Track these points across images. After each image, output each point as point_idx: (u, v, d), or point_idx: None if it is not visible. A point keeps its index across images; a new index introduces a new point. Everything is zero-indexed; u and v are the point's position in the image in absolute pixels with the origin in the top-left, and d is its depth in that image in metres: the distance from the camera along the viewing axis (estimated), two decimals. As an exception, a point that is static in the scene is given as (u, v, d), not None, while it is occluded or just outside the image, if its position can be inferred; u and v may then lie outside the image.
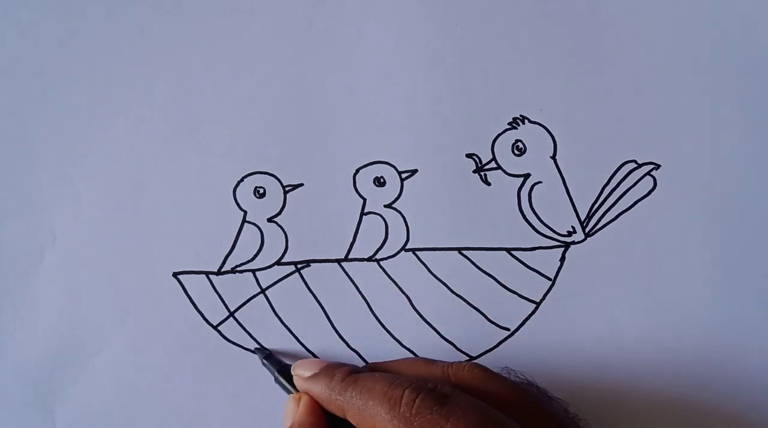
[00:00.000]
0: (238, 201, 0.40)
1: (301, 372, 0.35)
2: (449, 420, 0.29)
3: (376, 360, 0.39)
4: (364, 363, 0.39)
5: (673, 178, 0.40)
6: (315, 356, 0.39)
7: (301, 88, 0.41)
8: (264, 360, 0.38)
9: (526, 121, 0.40)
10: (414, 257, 0.40)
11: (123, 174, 0.40)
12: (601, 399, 0.38)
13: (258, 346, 0.39)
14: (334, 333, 0.39)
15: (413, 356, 0.39)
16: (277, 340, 0.39)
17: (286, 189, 0.40)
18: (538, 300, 0.39)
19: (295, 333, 0.39)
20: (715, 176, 0.40)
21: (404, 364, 0.36)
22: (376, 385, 0.32)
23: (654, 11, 0.41)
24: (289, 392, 0.36)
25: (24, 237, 0.40)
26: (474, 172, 0.40)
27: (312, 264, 0.40)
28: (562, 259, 0.39)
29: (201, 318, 0.40)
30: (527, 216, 0.40)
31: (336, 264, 0.40)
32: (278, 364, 0.38)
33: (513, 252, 0.40)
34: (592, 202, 0.40)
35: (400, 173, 0.40)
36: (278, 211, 0.40)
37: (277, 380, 0.37)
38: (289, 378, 0.36)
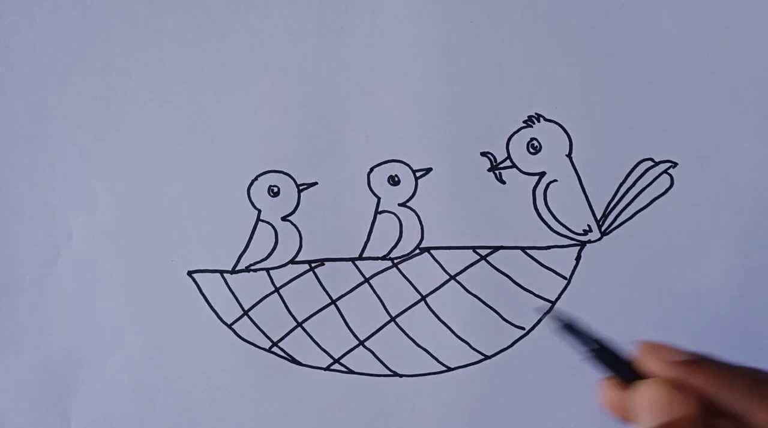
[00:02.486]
0: (252, 200, 0.40)
1: (668, 356, 0.28)
2: None
3: (391, 359, 0.39)
4: (378, 362, 0.39)
5: (691, 176, 0.39)
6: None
7: (314, 87, 0.40)
8: (593, 357, 0.30)
9: (541, 119, 0.40)
10: (428, 256, 0.40)
11: (138, 174, 0.40)
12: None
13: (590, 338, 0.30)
14: (349, 332, 0.39)
15: None
16: (291, 339, 0.39)
17: (300, 187, 0.40)
18: (553, 300, 0.39)
19: (309, 332, 0.39)
20: (733, 174, 0.39)
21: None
22: None
23: (670, 9, 0.40)
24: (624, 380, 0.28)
25: (40, 237, 0.40)
26: (489, 170, 0.40)
27: (326, 262, 0.40)
28: (578, 258, 0.39)
29: (215, 316, 0.40)
30: (542, 215, 0.39)
31: (350, 262, 0.40)
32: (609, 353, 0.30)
33: (528, 251, 0.39)
34: (608, 200, 0.39)
35: (414, 172, 0.40)
36: (292, 209, 0.40)
37: (609, 368, 0.29)
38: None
